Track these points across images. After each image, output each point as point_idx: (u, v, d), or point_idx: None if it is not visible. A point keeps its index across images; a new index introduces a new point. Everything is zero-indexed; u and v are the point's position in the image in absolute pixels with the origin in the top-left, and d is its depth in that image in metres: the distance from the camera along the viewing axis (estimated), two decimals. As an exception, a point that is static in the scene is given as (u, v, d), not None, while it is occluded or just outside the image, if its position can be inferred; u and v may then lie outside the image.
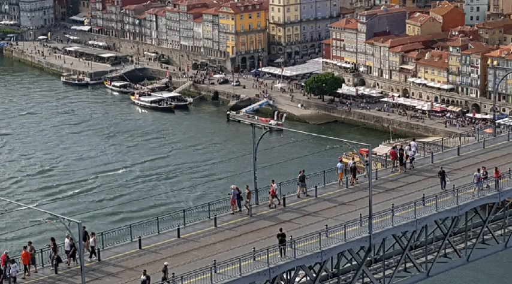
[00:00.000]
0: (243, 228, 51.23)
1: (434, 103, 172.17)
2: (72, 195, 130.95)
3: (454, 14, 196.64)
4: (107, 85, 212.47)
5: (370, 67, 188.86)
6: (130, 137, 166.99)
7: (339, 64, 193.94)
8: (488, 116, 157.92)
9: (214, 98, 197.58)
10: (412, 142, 62.82)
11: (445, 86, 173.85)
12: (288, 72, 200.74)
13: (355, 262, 51.38)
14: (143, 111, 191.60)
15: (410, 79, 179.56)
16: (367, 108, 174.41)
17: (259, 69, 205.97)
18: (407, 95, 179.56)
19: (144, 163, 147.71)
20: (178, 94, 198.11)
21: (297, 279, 50.19)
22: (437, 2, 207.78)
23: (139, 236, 49.34)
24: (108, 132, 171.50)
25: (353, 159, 62.27)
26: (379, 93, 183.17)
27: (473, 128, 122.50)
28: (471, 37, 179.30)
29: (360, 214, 50.37)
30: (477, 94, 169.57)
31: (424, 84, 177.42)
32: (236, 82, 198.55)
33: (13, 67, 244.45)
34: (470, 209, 55.53)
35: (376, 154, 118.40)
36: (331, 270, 51.93)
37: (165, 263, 44.31)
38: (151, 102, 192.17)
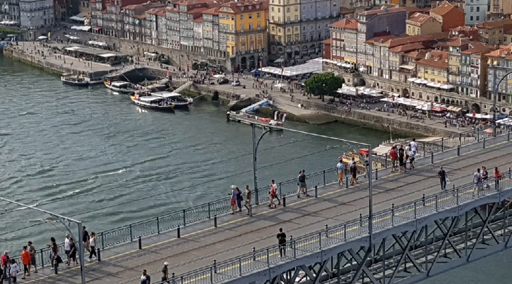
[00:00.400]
0: (243, 228, 51.23)
1: (434, 103, 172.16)
2: (72, 195, 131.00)
3: (454, 14, 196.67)
4: (107, 85, 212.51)
5: (370, 67, 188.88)
6: (130, 137, 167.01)
7: (339, 64, 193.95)
8: (488, 116, 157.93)
9: (214, 98, 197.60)
10: (412, 142, 62.81)
11: (445, 86, 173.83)
12: (288, 72, 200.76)
13: (355, 262, 51.38)
14: (143, 111, 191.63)
15: (410, 79, 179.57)
16: (367, 108, 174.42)
17: (259, 69, 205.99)
18: (407, 95, 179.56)
19: (144, 163, 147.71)
20: (178, 94, 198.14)
21: (297, 279, 50.20)
22: (437, 2, 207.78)
23: (139, 236, 49.34)
24: (108, 132, 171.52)
25: (353, 159, 62.26)
26: (379, 93, 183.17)
27: (473, 128, 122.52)
28: (471, 37, 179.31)
29: (360, 214, 50.37)
30: (477, 94, 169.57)
31: (424, 84, 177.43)
32: (236, 82, 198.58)
33: (13, 67, 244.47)
34: (470, 209, 55.54)
35: (376, 154, 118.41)
36: (331, 270, 51.93)
37: (165, 263, 44.32)
38: (151, 102, 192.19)
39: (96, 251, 47.39)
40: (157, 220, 50.73)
